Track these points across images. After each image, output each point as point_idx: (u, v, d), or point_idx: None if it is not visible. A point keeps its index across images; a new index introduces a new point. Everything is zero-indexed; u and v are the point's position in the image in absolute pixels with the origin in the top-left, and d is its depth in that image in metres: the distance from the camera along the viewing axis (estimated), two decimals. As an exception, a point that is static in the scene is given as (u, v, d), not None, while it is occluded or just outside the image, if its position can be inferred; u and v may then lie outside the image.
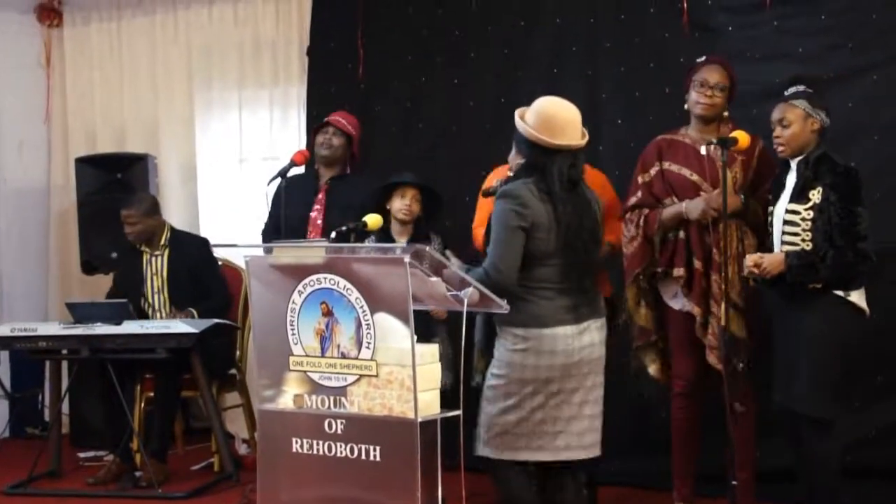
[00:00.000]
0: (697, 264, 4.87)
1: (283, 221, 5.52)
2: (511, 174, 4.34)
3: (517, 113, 4.26)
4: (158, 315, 6.21)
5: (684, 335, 4.95)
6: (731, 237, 4.77)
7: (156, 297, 6.25)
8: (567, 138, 4.16)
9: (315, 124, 6.24)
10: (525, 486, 4.22)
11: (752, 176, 4.86)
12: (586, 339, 4.15)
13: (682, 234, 4.92)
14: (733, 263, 4.75)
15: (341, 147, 5.97)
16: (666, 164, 5.00)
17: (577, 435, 4.19)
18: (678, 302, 4.97)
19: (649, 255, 5.01)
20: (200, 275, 6.23)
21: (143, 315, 6.21)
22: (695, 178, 4.91)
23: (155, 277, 6.26)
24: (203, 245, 6.31)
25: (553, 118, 4.17)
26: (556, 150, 4.14)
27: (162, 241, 6.30)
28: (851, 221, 4.41)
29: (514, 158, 4.36)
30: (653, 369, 5.14)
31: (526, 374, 4.06)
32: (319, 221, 5.84)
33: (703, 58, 5.06)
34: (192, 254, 6.17)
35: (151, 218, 6.28)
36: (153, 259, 6.28)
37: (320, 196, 5.93)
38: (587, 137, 4.27)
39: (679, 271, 4.91)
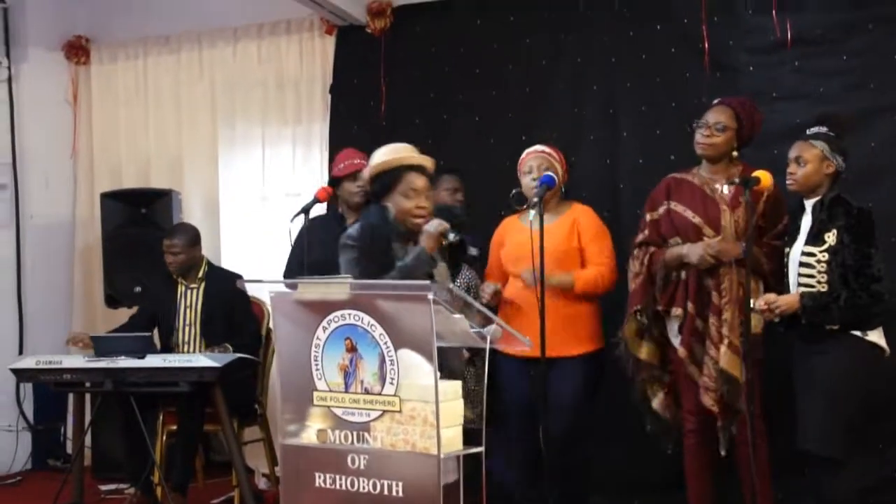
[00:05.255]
0: (690, 306, 4.89)
1: (306, 260, 5.54)
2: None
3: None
4: (186, 348, 6.23)
5: (687, 372, 4.97)
6: (732, 280, 4.80)
7: (186, 329, 6.27)
8: None
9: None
10: None
11: (757, 219, 4.84)
12: None
13: (683, 274, 4.95)
14: (732, 307, 4.78)
15: None
16: (673, 204, 5.03)
17: None
18: (678, 341, 5.00)
19: (650, 292, 5.05)
20: (233, 311, 6.23)
21: (170, 347, 6.24)
22: (697, 220, 4.93)
23: (188, 310, 6.29)
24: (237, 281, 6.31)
25: None
26: None
27: (199, 275, 6.33)
28: (865, 263, 4.43)
29: None
30: (656, 403, 5.14)
31: None
32: None
33: (717, 100, 5.09)
34: (227, 289, 6.16)
35: (194, 249, 6.31)
36: (188, 292, 6.31)
37: None
38: None
39: (677, 311, 4.96)
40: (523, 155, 5.28)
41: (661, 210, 5.06)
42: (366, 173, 4.81)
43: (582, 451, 5.17)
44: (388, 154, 4.75)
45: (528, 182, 5.16)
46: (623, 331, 5.09)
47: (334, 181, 5.98)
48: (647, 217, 5.11)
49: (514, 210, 5.32)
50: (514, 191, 5.25)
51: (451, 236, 4.58)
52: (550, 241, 4.83)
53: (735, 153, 4.96)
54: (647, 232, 5.09)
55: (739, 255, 4.73)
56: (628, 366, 5.12)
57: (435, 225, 4.57)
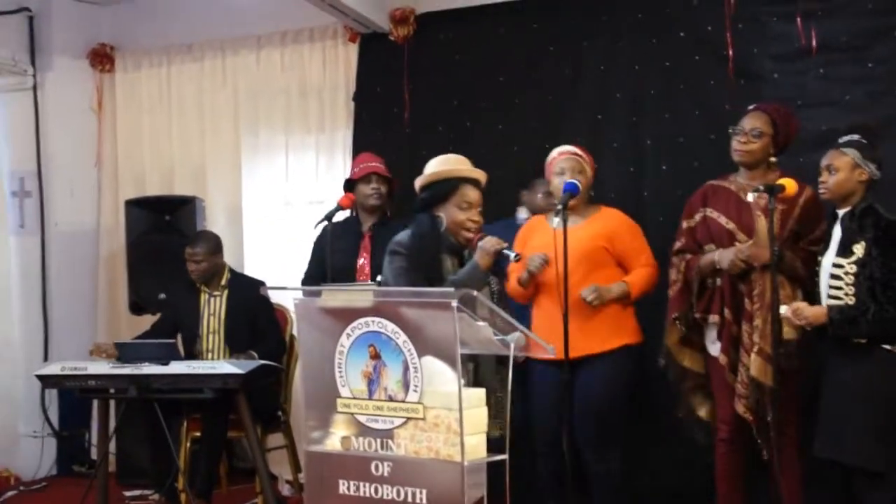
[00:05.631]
0: (727, 312, 4.89)
1: (329, 267, 5.55)
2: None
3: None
4: (210, 356, 6.24)
5: (723, 381, 4.95)
6: (764, 287, 4.78)
7: (210, 337, 6.29)
8: None
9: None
10: None
11: (792, 225, 4.83)
12: None
13: (719, 281, 4.94)
14: (764, 313, 4.76)
15: (386, 193, 6.02)
16: (708, 211, 5.02)
17: None
18: (715, 348, 4.99)
19: (688, 300, 5.04)
20: (257, 318, 6.25)
21: (194, 354, 6.26)
22: (731, 226, 4.92)
23: (212, 318, 6.31)
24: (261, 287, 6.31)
25: None
26: None
27: (222, 282, 6.35)
28: (893, 276, 4.37)
29: None
30: (703, 412, 5.12)
31: None
32: (367, 269, 5.86)
33: (753, 105, 5.08)
34: (250, 296, 6.15)
35: (216, 256, 6.34)
36: (211, 299, 6.34)
37: (366, 242, 5.96)
38: None
39: (714, 318, 4.96)
40: (554, 155, 5.26)
41: (698, 217, 5.06)
42: (418, 182, 4.79)
43: (617, 457, 5.15)
44: (443, 164, 4.74)
45: (560, 183, 5.13)
46: (665, 340, 5.09)
47: (349, 184, 6.01)
48: (684, 224, 5.12)
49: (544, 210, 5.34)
50: (544, 190, 5.25)
51: (512, 256, 4.58)
52: (576, 242, 4.84)
53: (772, 159, 4.95)
54: (683, 239, 5.10)
55: (768, 259, 4.71)
56: (673, 375, 5.12)
57: (492, 242, 4.56)
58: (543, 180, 5.76)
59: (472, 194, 4.68)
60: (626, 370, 5.12)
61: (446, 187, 4.68)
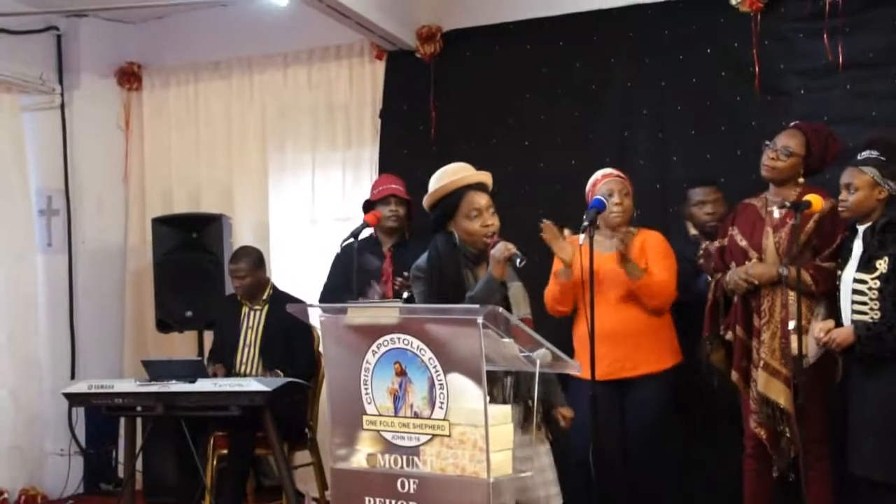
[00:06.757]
0: (739, 330, 4.91)
1: (355, 284, 5.57)
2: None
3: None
4: (244, 369, 6.27)
5: (748, 397, 4.96)
6: (772, 302, 4.77)
7: (246, 350, 6.31)
8: None
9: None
10: None
11: (806, 239, 4.81)
12: None
13: (736, 298, 4.96)
14: (770, 329, 4.76)
15: (405, 215, 6.03)
16: (733, 230, 5.03)
17: None
18: None
19: (718, 318, 5.05)
20: (292, 336, 6.25)
21: (233, 368, 6.27)
22: (743, 243, 4.93)
23: (249, 331, 6.33)
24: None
25: None
26: None
27: (264, 297, 6.39)
28: None
29: None
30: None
31: None
32: (389, 290, 5.86)
33: (794, 123, 5.05)
34: (289, 314, 6.16)
35: (258, 271, 6.38)
36: (251, 313, 6.38)
37: (386, 265, 5.97)
38: None
39: (728, 335, 4.99)
40: (597, 177, 5.20)
41: (728, 237, 5.06)
42: (425, 203, 4.72)
43: (659, 473, 5.13)
44: (443, 178, 4.61)
45: (610, 206, 5.10)
46: (712, 357, 5.10)
47: (368, 205, 6.03)
48: (717, 244, 5.13)
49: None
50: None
51: (518, 261, 4.47)
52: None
53: (800, 179, 4.91)
54: (715, 260, 5.11)
55: (774, 276, 4.70)
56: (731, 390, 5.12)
57: (501, 249, 4.48)
58: (698, 189, 5.70)
59: (479, 199, 4.52)
60: (673, 390, 5.11)
61: (452, 200, 4.54)
